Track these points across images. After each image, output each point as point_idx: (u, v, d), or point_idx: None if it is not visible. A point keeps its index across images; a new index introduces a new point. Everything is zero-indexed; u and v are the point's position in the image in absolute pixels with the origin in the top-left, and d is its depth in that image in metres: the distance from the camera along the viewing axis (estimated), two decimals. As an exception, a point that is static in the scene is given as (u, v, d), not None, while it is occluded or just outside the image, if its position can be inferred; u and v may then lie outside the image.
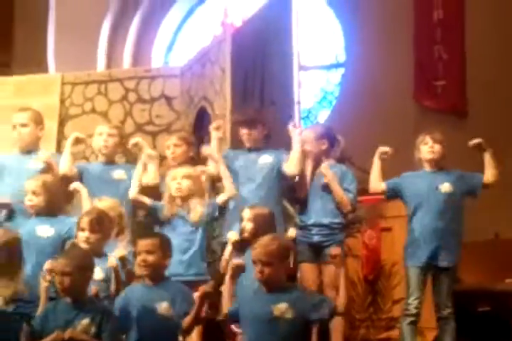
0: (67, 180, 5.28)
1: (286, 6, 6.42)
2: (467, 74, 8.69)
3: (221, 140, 5.29)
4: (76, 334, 3.80)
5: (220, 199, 4.97)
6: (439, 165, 5.05)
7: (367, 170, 5.22)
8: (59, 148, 6.21)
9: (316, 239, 4.99)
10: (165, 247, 4.16)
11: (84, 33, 10.00)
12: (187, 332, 4.14)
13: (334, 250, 4.11)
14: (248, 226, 4.70)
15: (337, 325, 4.71)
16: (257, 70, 6.45)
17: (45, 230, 4.81)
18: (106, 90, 6.89)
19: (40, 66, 9.24)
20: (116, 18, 10.30)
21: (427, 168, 5.06)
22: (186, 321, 4.03)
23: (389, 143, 5.17)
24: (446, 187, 4.97)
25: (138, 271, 4.17)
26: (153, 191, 5.20)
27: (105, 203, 4.90)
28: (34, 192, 4.89)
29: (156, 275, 4.13)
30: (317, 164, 5.20)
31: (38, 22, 9.47)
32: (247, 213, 4.77)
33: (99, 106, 6.85)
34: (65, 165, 5.30)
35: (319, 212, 5.07)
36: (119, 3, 10.28)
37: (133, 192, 5.02)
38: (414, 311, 4.85)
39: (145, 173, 5.24)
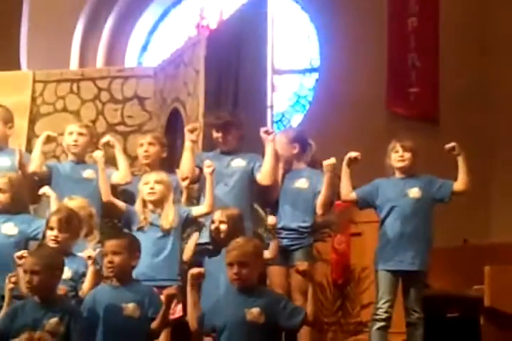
0: (36, 179, 5.23)
1: (261, 10, 6.42)
2: (440, 82, 8.76)
3: (195, 142, 5.27)
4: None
5: (197, 211, 4.94)
6: (410, 172, 5.07)
7: (338, 174, 5.23)
8: (29, 146, 6.16)
9: (284, 242, 5.00)
10: (132, 248, 4.13)
11: (58, 30, 9.93)
12: (155, 335, 4.12)
13: (301, 265, 3.94)
14: (223, 227, 4.71)
15: (305, 331, 4.71)
16: (231, 73, 6.45)
17: (8, 228, 4.77)
18: (78, 89, 6.86)
19: (12, 63, 9.14)
20: (90, 16, 10.23)
21: (398, 174, 5.09)
22: (154, 324, 4.01)
23: (360, 149, 5.18)
24: (414, 192, 5.00)
25: (105, 272, 4.14)
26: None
27: (75, 202, 4.87)
28: (0, 189, 4.84)
29: (123, 276, 4.10)
30: (288, 168, 5.21)
31: (10, 18, 9.37)
32: (218, 215, 4.76)
33: (71, 105, 6.82)
34: (35, 163, 5.26)
35: (288, 216, 5.08)
36: (94, 1, 10.21)
37: (105, 195, 4.98)
38: (384, 315, 4.85)
39: (116, 172, 5.21)
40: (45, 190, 5.02)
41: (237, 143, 5.21)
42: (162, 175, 4.98)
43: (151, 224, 4.86)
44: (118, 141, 5.68)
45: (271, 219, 4.88)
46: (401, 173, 5.07)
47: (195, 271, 3.96)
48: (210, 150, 5.35)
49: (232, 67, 6.44)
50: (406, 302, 4.92)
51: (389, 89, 8.96)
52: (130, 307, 4.01)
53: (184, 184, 5.07)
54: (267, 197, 5.23)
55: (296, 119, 9.81)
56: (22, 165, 5.20)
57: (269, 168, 5.04)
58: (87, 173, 5.29)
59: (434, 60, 8.83)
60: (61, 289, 4.15)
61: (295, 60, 10.00)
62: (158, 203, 4.89)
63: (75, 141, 5.36)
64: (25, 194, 4.98)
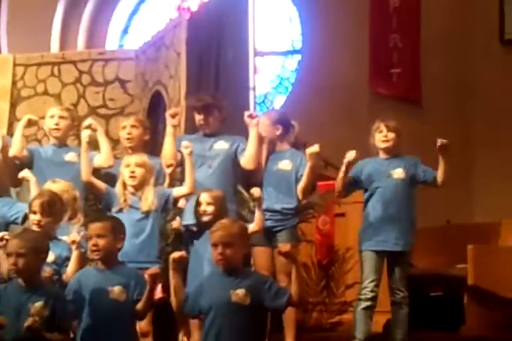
0: (16, 162, 5.20)
1: (243, -9, 6.40)
2: (421, 62, 8.78)
3: (176, 127, 5.24)
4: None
5: (177, 192, 4.92)
6: (394, 152, 5.08)
7: (321, 155, 5.23)
8: (11, 130, 6.12)
9: (268, 223, 4.99)
10: (116, 230, 4.10)
11: (38, 13, 9.84)
12: (141, 317, 4.11)
13: (284, 247, 3.94)
14: (209, 209, 4.71)
15: (289, 311, 4.73)
16: (213, 55, 6.43)
17: None
18: (59, 72, 6.82)
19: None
20: (71, -2, 10.15)
21: (382, 155, 5.09)
22: (139, 305, 4.00)
23: (343, 129, 5.19)
24: (399, 173, 5.00)
25: (90, 255, 4.13)
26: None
27: (59, 185, 4.82)
28: None
29: (109, 259, 4.08)
30: (272, 149, 5.21)
31: (-11, 1, 9.30)
32: (205, 197, 4.76)
33: (52, 88, 6.78)
34: (16, 147, 5.21)
35: (272, 198, 5.07)
36: (74, -16, 10.13)
37: (86, 175, 4.95)
38: (369, 295, 4.86)
39: (98, 155, 5.18)
40: (24, 173, 4.96)
41: (220, 125, 5.19)
42: (143, 158, 4.94)
43: (131, 206, 4.83)
44: (100, 124, 5.65)
45: (255, 191, 4.84)
46: (385, 153, 5.07)
47: (176, 254, 3.95)
48: (193, 133, 5.33)
49: (213, 49, 6.42)
50: (391, 282, 4.94)
51: (371, 70, 8.97)
52: (116, 290, 3.99)
53: (168, 171, 5.05)
54: (250, 180, 5.23)
55: (279, 101, 9.81)
56: (3, 149, 5.16)
57: (253, 152, 5.03)
58: (69, 156, 5.24)
59: (416, 41, 8.84)
60: (46, 271, 4.14)
61: (277, 42, 9.97)
62: (139, 186, 4.86)
63: (56, 124, 5.32)
64: (6, 177, 4.93)
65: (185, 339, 4.93)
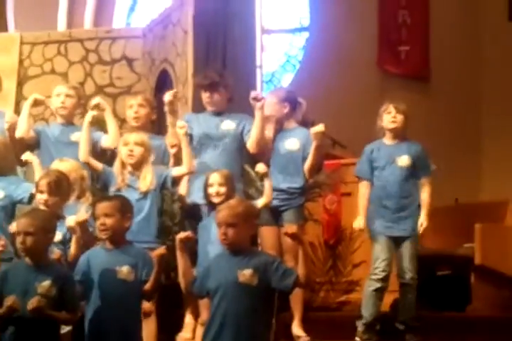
0: (24, 142, 5.19)
1: (250, -32, 6.34)
2: (431, 39, 8.71)
3: (175, 113, 5.17)
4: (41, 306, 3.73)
5: (177, 172, 4.87)
6: (401, 135, 5.06)
7: (329, 134, 5.22)
8: (18, 109, 6.11)
9: (274, 203, 4.98)
10: (124, 209, 4.10)
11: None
12: (148, 298, 4.12)
13: (290, 228, 3.96)
14: (222, 190, 4.70)
15: (297, 291, 4.73)
16: (220, 33, 6.39)
17: None
18: (66, 51, 6.79)
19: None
20: (77, -24, 10.10)
21: (388, 137, 5.07)
22: (148, 286, 4.01)
23: (351, 107, 5.16)
24: (404, 160, 4.99)
25: (98, 234, 4.13)
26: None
27: (66, 164, 4.78)
28: None
29: (117, 238, 4.08)
30: (280, 128, 5.19)
31: (-4, -20, 9.26)
32: (216, 178, 4.74)
33: (59, 67, 6.75)
34: (22, 128, 5.20)
35: (278, 177, 5.06)
36: (80, -38, 10.07)
37: (84, 155, 4.88)
38: (381, 275, 4.85)
39: (105, 136, 5.16)
40: (26, 156, 4.91)
41: (226, 103, 5.16)
42: (142, 136, 4.87)
43: (129, 186, 4.80)
44: (107, 102, 5.61)
45: (260, 167, 4.83)
46: (392, 136, 5.05)
47: (182, 235, 3.94)
48: (200, 112, 5.31)
49: (220, 27, 6.38)
50: (400, 263, 4.94)
51: (380, 48, 8.92)
52: (124, 270, 4.00)
53: (173, 151, 5.02)
54: (257, 160, 5.21)
55: (287, 79, 9.76)
56: (10, 128, 5.15)
57: (257, 136, 5.00)
58: (76, 136, 5.19)
59: (425, 17, 8.77)
60: (56, 253, 4.14)
61: (284, 20, 9.91)
62: (137, 166, 4.81)
63: (63, 102, 5.29)
64: (12, 156, 4.92)
65: (192, 318, 4.94)
